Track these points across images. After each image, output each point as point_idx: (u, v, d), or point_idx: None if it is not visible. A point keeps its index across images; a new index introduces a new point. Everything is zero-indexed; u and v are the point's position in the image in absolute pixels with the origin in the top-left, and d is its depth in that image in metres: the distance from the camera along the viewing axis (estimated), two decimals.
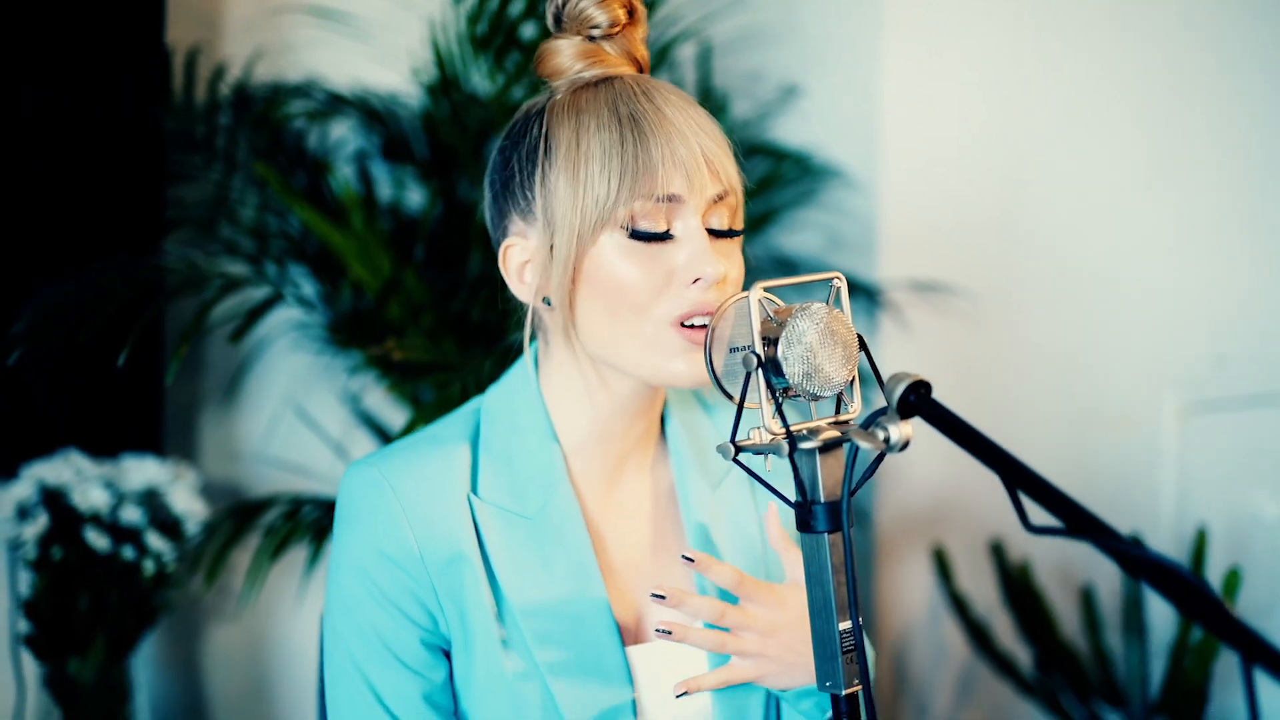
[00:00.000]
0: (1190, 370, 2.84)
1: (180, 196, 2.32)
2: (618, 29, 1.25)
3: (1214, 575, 2.61)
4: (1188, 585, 0.96)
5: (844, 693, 1.14)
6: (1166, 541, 2.74)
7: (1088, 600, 2.58)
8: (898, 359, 2.48)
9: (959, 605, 2.47)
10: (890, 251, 2.52)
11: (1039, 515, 1.01)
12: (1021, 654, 2.61)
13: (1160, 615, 2.59)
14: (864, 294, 2.46)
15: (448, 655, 1.27)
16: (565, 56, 1.25)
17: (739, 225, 1.25)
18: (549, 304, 1.23)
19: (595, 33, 1.25)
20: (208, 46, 2.38)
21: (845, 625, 1.14)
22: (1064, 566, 2.62)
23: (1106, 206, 2.74)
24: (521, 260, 1.25)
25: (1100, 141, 2.71)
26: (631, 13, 1.26)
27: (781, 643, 1.23)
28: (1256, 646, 0.94)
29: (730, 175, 1.22)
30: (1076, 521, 1.02)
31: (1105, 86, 2.70)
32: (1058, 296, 2.70)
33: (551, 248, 1.20)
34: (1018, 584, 2.48)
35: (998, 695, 2.64)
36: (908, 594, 2.56)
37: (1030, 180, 2.65)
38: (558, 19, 1.26)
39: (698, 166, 1.19)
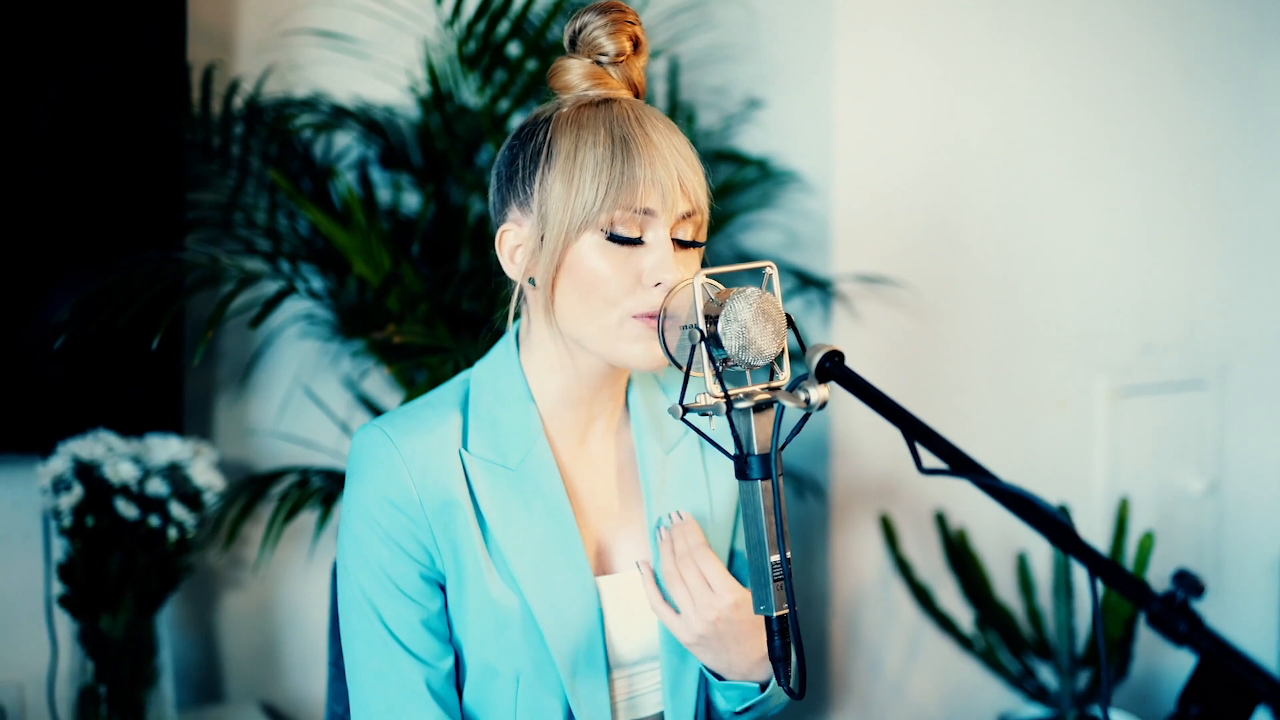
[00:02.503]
0: (1119, 357, 2.93)
1: (199, 200, 2.39)
2: (623, 58, 1.40)
3: (1134, 540, 2.76)
4: (1043, 513, 1.15)
5: (775, 614, 1.31)
6: (1097, 511, 2.87)
7: (1022, 565, 2.71)
8: (850, 346, 2.58)
9: (904, 569, 2.63)
10: (842, 249, 2.60)
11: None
12: (962, 614, 2.73)
13: (1086, 579, 2.73)
14: (818, 287, 2.55)
15: (443, 588, 1.41)
16: (575, 75, 1.40)
17: (702, 238, 1.40)
18: (533, 284, 1.38)
19: (603, 59, 1.39)
20: (223, 65, 2.45)
21: (775, 558, 1.31)
22: (1001, 535, 2.74)
23: (1040, 209, 2.81)
24: (514, 244, 1.39)
25: (1033, 149, 2.79)
26: (636, 45, 1.40)
27: (717, 629, 1.40)
28: (1097, 561, 1.12)
29: (699, 196, 1.37)
30: (958, 463, 1.21)
31: (1037, 99, 2.78)
32: (996, 290, 2.78)
33: (542, 238, 1.35)
34: (958, 550, 2.63)
35: (942, 651, 2.76)
36: (859, 560, 2.67)
37: (970, 184, 2.73)
38: (573, 42, 1.41)
39: (673, 187, 1.33)
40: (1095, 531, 2.84)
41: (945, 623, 2.66)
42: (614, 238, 1.33)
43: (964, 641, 2.67)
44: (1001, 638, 2.66)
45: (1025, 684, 2.68)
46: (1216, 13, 2.97)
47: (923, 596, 2.65)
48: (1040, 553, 2.73)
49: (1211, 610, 3.03)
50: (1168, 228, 2.99)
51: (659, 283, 1.33)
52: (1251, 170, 3.05)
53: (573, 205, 1.33)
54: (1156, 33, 2.92)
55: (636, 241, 1.34)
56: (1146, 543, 2.49)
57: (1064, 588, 2.60)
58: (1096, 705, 2.70)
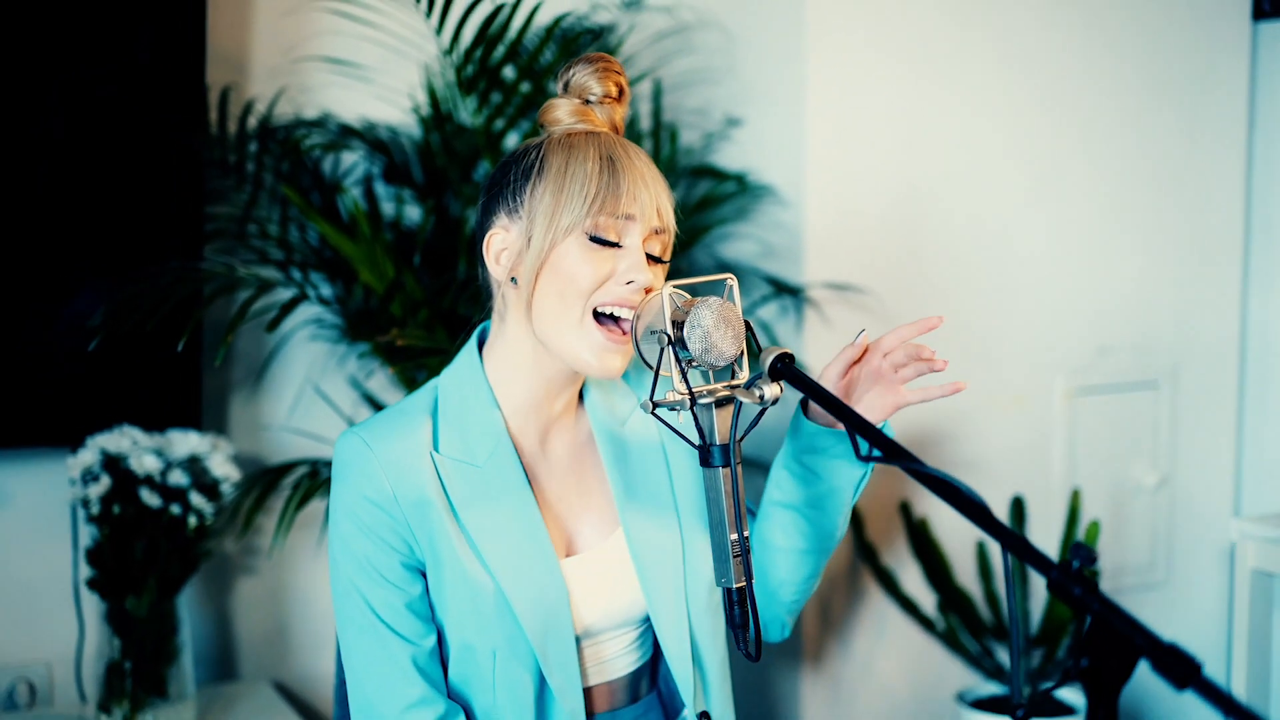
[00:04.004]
0: (1075, 359, 3.01)
1: (215, 213, 2.49)
2: (608, 100, 1.55)
3: (1082, 528, 2.86)
4: (961, 494, 1.28)
5: (734, 586, 1.44)
6: (1055, 503, 2.96)
7: (981, 553, 2.82)
8: (821, 349, 2.69)
9: (870, 556, 2.73)
10: (814, 258, 2.70)
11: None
12: (926, 598, 2.82)
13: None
14: (791, 294, 2.65)
15: (423, 574, 1.53)
16: (563, 112, 1.55)
17: (667, 257, 1.54)
18: (515, 283, 1.51)
19: (590, 99, 1.55)
20: (237, 87, 2.56)
21: (734, 536, 1.44)
22: (961, 525, 2.82)
23: (1000, 220, 2.89)
24: (500, 247, 1.52)
25: (993, 166, 2.87)
26: (620, 93, 1.56)
27: None
28: (1011, 538, 1.26)
29: (669, 219, 1.52)
30: (890, 451, 1.35)
31: (997, 118, 2.88)
32: (959, 296, 2.86)
33: (530, 239, 1.48)
34: (920, 538, 2.74)
35: (907, 633, 2.86)
36: None
37: (934, 197, 2.82)
38: (566, 85, 1.56)
39: (650, 204, 1.49)
40: (1052, 521, 2.95)
41: (910, 606, 2.77)
42: (596, 239, 1.47)
43: (927, 624, 2.79)
44: (961, 620, 2.77)
45: (984, 663, 2.79)
46: (1173, 32, 3.05)
47: (888, 582, 2.76)
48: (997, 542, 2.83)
49: (1163, 597, 3.14)
50: (1122, 238, 3.07)
51: (631, 281, 1.47)
52: (1200, 185, 3.14)
53: (562, 210, 1.47)
54: (1114, 52, 3.01)
55: (615, 245, 1.48)
56: (1093, 530, 2.63)
57: (1017, 574, 2.73)
58: (1047, 683, 2.83)
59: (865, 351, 1.54)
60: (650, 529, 1.61)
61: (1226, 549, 3.18)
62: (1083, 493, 2.90)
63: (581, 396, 1.66)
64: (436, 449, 1.54)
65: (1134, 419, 3.12)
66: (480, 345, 1.61)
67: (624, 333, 1.50)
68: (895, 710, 2.89)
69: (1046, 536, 2.92)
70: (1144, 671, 1.16)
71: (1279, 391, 3.18)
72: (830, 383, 1.54)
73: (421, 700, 1.51)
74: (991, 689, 2.79)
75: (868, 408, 1.53)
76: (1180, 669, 1.09)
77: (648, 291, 1.50)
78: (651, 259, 1.51)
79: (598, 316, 1.49)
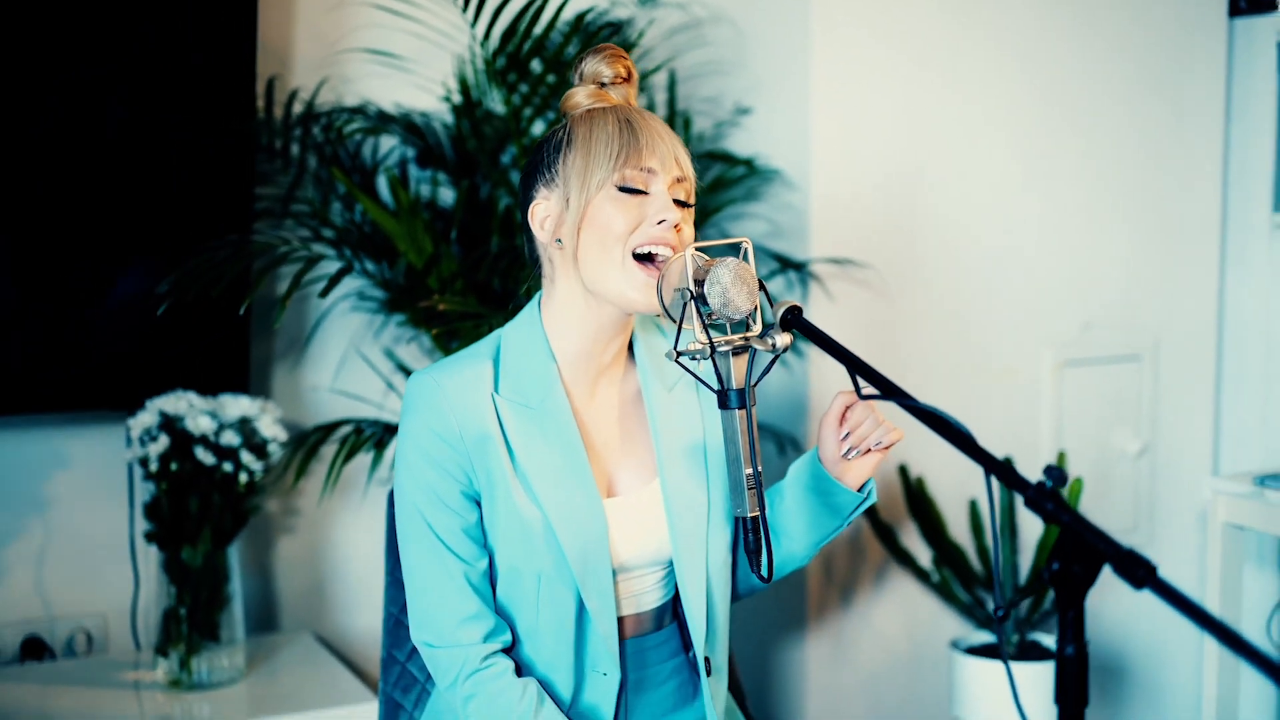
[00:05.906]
0: (1063, 333, 3.12)
1: (262, 194, 2.61)
2: (619, 80, 1.69)
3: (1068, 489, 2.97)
4: (950, 426, 1.43)
5: (748, 516, 1.57)
6: (1042, 468, 3.10)
7: (973, 510, 2.94)
8: (824, 321, 2.76)
9: (869, 512, 2.85)
10: (818, 236, 2.80)
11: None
12: (922, 552, 2.94)
13: (1029, 523, 2.96)
14: (796, 269, 2.75)
15: (479, 504, 1.66)
16: (581, 96, 1.69)
17: (692, 200, 1.67)
18: (560, 243, 1.64)
19: (604, 82, 1.69)
20: (282, 78, 2.67)
21: (749, 471, 1.57)
22: (954, 484, 2.95)
23: (993, 202, 2.99)
24: (544, 215, 1.66)
25: (986, 149, 2.97)
26: (629, 74, 1.70)
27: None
28: (994, 463, 1.40)
29: (688, 169, 1.66)
30: (887, 389, 1.50)
31: (989, 104, 2.98)
32: (954, 272, 2.96)
33: (568, 201, 1.62)
34: (917, 497, 2.87)
35: (904, 585, 2.98)
36: None
37: (930, 179, 2.91)
38: (580, 75, 1.70)
39: (669, 155, 1.63)
40: None
41: (907, 560, 2.89)
42: (624, 189, 1.61)
43: (923, 576, 2.90)
44: (955, 573, 2.89)
45: (975, 613, 2.92)
46: (1157, 28, 3.16)
47: (887, 537, 2.88)
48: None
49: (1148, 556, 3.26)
50: (1108, 220, 3.17)
51: (661, 220, 1.60)
52: (1181, 171, 3.24)
53: (591, 169, 1.61)
54: (1102, 46, 3.11)
55: (642, 193, 1.62)
56: (1076, 487, 2.75)
57: (1007, 529, 2.87)
58: (1035, 631, 2.97)
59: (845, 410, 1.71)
60: (684, 484, 1.73)
61: (1204, 512, 3.29)
62: (1068, 457, 3.02)
63: (634, 355, 1.78)
64: (497, 391, 1.66)
65: (1118, 390, 3.23)
66: (541, 304, 1.73)
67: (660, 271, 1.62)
68: (893, 658, 3.00)
69: None
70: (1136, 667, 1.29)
71: (1253, 364, 3.29)
72: (831, 439, 1.72)
73: (475, 615, 1.65)
74: (983, 637, 2.91)
75: (858, 469, 1.72)
76: (1138, 570, 1.23)
77: (678, 230, 1.63)
78: (678, 203, 1.64)
79: (637, 258, 1.62)
